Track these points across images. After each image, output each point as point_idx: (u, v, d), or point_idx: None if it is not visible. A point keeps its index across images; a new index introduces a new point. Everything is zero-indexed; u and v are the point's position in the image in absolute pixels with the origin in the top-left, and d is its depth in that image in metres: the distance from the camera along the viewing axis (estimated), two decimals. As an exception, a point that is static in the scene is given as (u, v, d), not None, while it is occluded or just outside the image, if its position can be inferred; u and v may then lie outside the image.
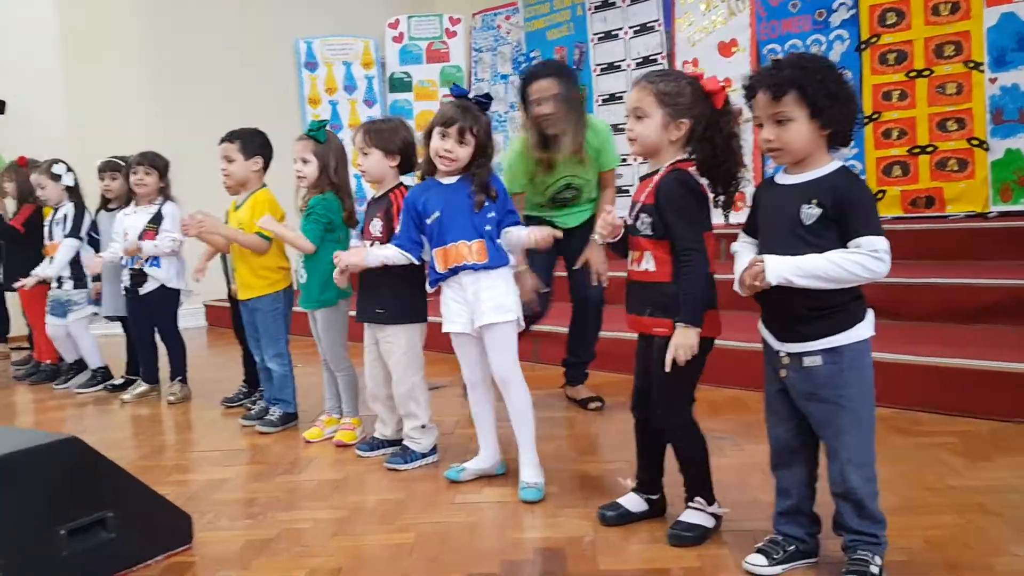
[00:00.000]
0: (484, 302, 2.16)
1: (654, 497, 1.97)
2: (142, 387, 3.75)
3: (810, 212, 1.53)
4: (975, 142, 4.08)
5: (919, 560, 1.68)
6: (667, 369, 1.74)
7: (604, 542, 1.86)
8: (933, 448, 2.37)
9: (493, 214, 2.21)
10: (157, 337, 3.72)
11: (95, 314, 4.01)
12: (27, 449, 1.72)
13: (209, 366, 4.43)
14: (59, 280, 4.00)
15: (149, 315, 3.64)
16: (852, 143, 1.64)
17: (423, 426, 2.49)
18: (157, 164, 3.61)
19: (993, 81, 4.01)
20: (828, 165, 1.57)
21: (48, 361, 4.35)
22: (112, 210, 3.89)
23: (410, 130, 2.62)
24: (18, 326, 5.22)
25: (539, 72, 2.75)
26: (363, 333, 2.59)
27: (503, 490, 2.24)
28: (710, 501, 1.84)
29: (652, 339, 1.80)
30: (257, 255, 2.94)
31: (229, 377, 3.76)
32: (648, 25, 5.43)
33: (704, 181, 1.80)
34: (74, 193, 4.06)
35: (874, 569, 1.55)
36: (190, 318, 5.13)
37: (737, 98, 1.80)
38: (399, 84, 6.53)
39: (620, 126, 2.75)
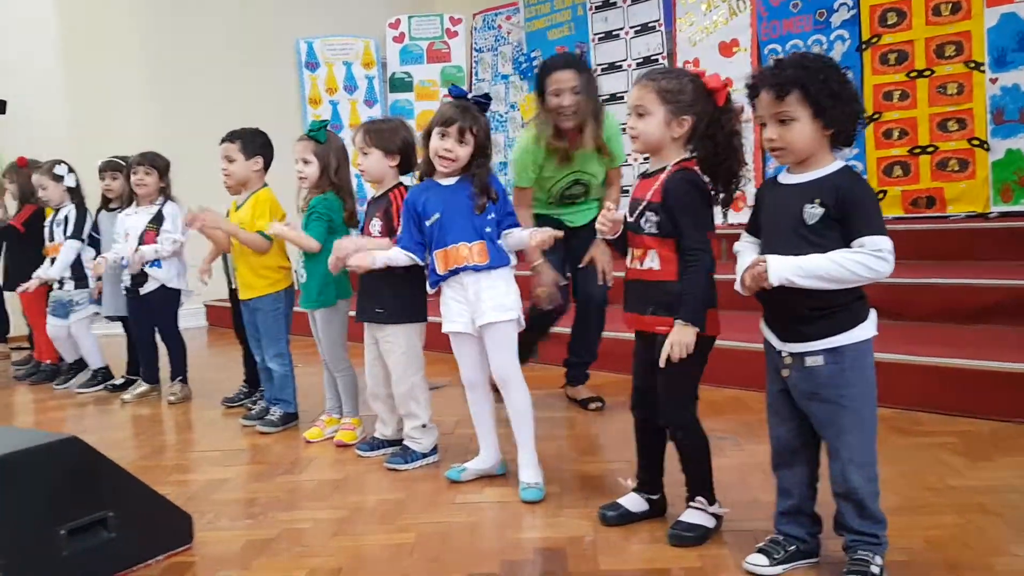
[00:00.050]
0: (485, 301, 2.16)
1: (655, 497, 1.97)
2: (142, 387, 3.75)
3: (813, 212, 1.53)
4: (976, 142, 4.08)
5: (919, 560, 1.68)
6: (661, 364, 1.74)
7: (605, 542, 1.86)
8: (933, 448, 2.37)
9: (493, 215, 2.21)
10: (158, 337, 3.72)
11: (96, 314, 4.01)
12: (27, 449, 1.72)
13: (209, 366, 4.43)
14: (60, 281, 4.00)
15: (150, 315, 3.65)
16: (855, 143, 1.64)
17: (423, 425, 2.49)
18: (157, 164, 3.61)
19: (994, 81, 4.01)
20: (831, 165, 1.57)
21: (48, 361, 4.35)
22: (113, 210, 3.89)
23: (410, 130, 2.62)
24: (18, 326, 5.23)
25: (557, 63, 2.72)
26: (363, 333, 2.59)
27: (504, 490, 2.23)
28: (711, 501, 1.84)
29: (655, 338, 1.80)
30: (258, 255, 2.94)
31: (229, 377, 3.76)
32: (649, 25, 5.43)
33: (706, 179, 1.80)
34: (75, 194, 4.06)
35: (875, 569, 1.55)
36: (190, 318, 5.13)
37: (738, 97, 1.80)
38: (400, 84, 6.53)
39: (621, 126, 2.74)
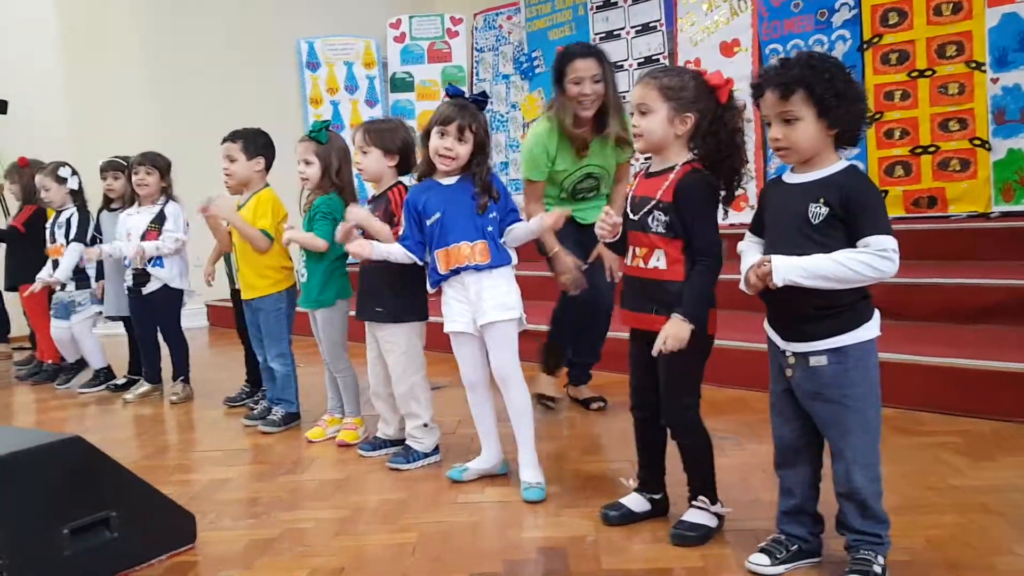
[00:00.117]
0: (486, 300, 2.16)
1: (657, 497, 1.97)
2: (144, 387, 3.75)
3: (818, 211, 1.53)
4: (977, 142, 4.08)
5: (921, 560, 1.68)
6: (653, 354, 1.74)
7: (607, 542, 1.86)
8: (935, 448, 2.37)
9: (495, 214, 2.21)
10: (160, 337, 3.72)
11: (99, 313, 4.01)
12: (30, 449, 1.72)
13: (211, 366, 4.43)
14: (62, 283, 4.00)
15: (152, 315, 3.65)
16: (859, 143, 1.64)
17: (425, 425, 2.49)
18: (158, 164, 3.61)
19: (995, 81, 4.01)
20: (836, 164, 1.57)
21: (50, 361, 4.35)
22: (115, 210, 3.89)
23: (409, 131, 2.62)
24: (19, 326, 5.23)
25: (579, 51, 2.68)
26: (364, 332, 2.59)
27: (505, 490, 2.24)
28: (713, 501, 1.84)
29: (656, 336, 1.80)
30: (259, 254, 2.94)
31: (231, 377, 3.76)
32: (650, 25, 5.43)
33: None
34: (78, 197, 4.06)
35: (877, 569, 1.55)
36: (192, 318, 5.12)
37: (740, 95, 1.80)
38: (401, 84, 6.53)
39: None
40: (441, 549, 1.89)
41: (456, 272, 2.19)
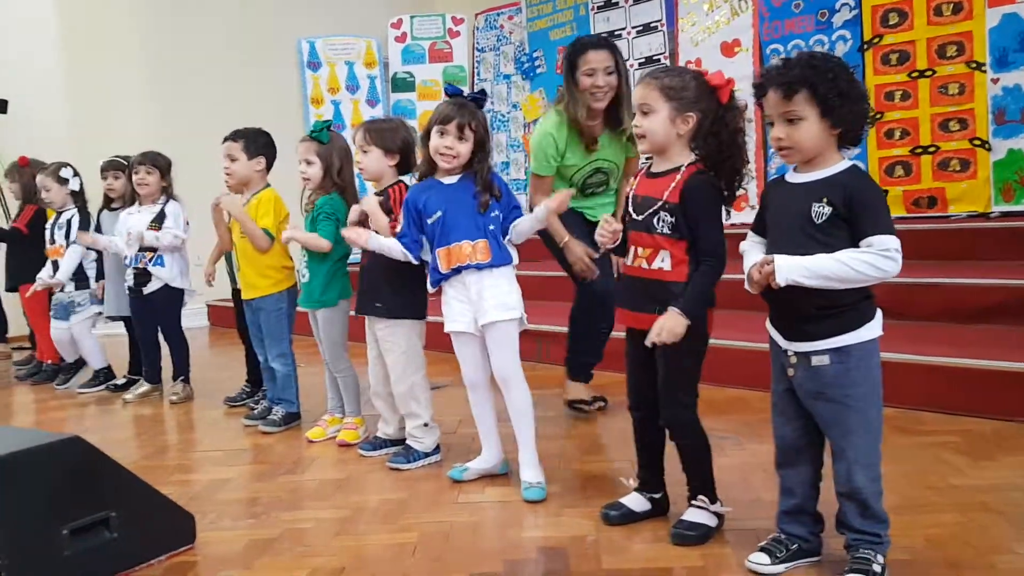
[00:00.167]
0: (487, 300, 2.16)
1: (657, 496, 1.97)
2: (144, 387, 3.75)
3: (821, 211, 1.53)
4: (977, 142, 4.08)
5: (921, 559, 1.68)
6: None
7: (607, 541, 1.86)
8: (936, 447, 2.37)
9: (496, 212, 2.21)
10: (160, 337, 3.72)
11: (98, 313, 4.01)
12: (29, 449, 1.72)
13: (211, 366, 4.43)
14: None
15: (153, 315, 3.65)
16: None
17: (425, 424, 2.49)
18: (158, 163, 3.61)
19: (995, 81, 4.01)
20: (839, 164, 1.57)
21: (50, 361, 4.35)
22: (115, 210, 3.89)
23: (410, 131, 2.62)
24: (19, 326, 5.23)
25: (592, 43, 2.67)
26: (365, 332, 2.59)
27: (506, 490, 2.24)
28: (713, 500, 1.84)
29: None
30: (260, 254, 2.94)
31: (231, 377, 3.76)
32: (651, 25, 5.43)
33: None
34: (79, 198, 4.05)
35: (876, 568, 1.55)
36: (192, 318, 5.11)
37: (741, 95, 1.80)
38: (402, 84, 6.53)
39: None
40: (442, 549, 1.89)
41: (457, 271, 2.19)
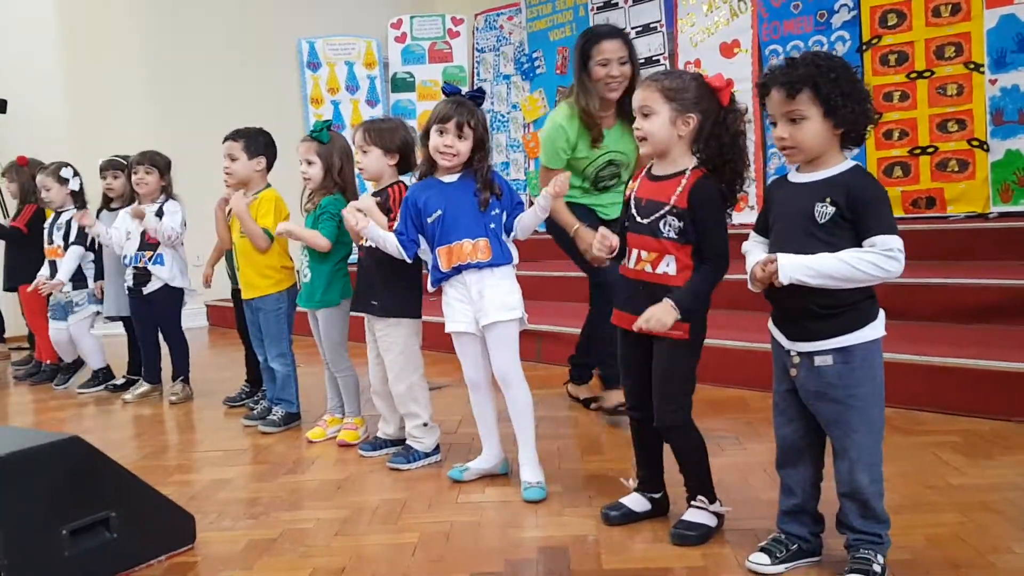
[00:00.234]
0: (488, 300, 2.16)
1: (656, 496, 1.97)
2: (144, 387, 3.75)
3: (824, 211, 1.53)
4: (975, 143, 4.09)
5: (921, 558, 1.68)
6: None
7: (608, 541, 1.86)
8: (935, 447, 2.37)
9: (497, 211, 2.21)
10: (160, 337, 3.71)
11: (97, 313, 4.01)
12: (29, 449, 1.72)
13: (211, 366, 4.43)
14: (59, 285, 4.00)
15: (153, 315, 3.65)
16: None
17: (424, 424, 2.49)
18: (157, 163, 3.60)
19: (993, 82, 4.01)
20: (842, 164, 1.57)
21: (49, 361, 4.34)
22: (115, 210, 3.89)
23: (409, 131, 2.62)
24: (18, 326, 5.22)
25: (606, 32, 2.65)
26: (365, 332, 2.59)
27: (506, 489, 2.24)
28: (712, 500, 1.84)
29: (662, 341, 1.80)
30: (260, 253, 2.94)
31: (231, 377, 3.76)
32: (651, 26, 5.43)
33: None
34: (78, 198, 4.05)
35: (876, 568, 1.55)
36: (192, 318, 5.12)
37: (741, 97, 1.80)
38: (402, 84, 6.53)
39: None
40: (442, 549, 1.89)
41: (458, 271, 2.19)
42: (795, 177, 1.63)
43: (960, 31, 4.08)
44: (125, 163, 3.78)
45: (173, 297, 3.63)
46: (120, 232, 3.64)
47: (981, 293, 3.29)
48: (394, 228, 2.31)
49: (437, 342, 2.81)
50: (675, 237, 1.77)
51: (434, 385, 2.64)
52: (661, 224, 1.78)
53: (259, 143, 3.03)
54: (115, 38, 5.84)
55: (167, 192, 3.64)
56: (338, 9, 6.60)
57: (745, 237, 1.74)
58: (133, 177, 3.58)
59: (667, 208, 1.78)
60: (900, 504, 1.90)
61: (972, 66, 4.05)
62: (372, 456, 2.62)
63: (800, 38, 4.62)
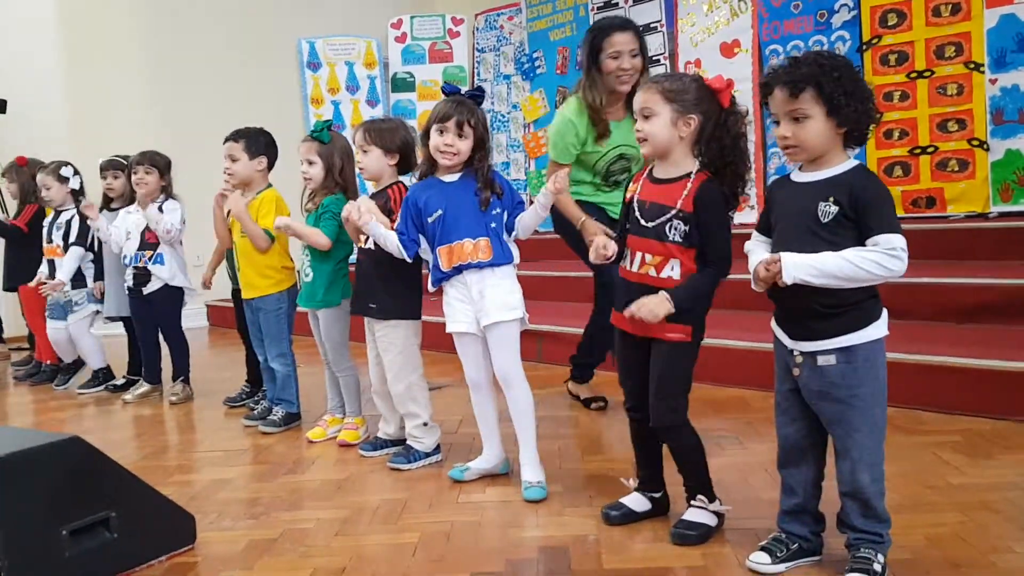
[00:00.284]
0: (489, 300, 2.16)
1: (656, 495, 1.97)
2: (144, 387, 3.75)
3: (827, 210, 1.53)
4: (975, 143, 4.08)
5: (921, 558, 1.68)
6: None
7: (608, 541, 1.86)
8: (935, 446, 2.37)
9: (498, 210, 2.21)
10: (160, 337, 3.71)
11: (97, 312, 4.01)
12: (29, 449, 1.72)
13: (211, 366, 4.43)
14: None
15: (153, 315, 3.65)
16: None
17: (424, 424, 2.49)
18: (157, 163, 3.60)
19: (993, 82, 4.01)
20: (845, 163, 1.57)
21: (49, 361, 4.34)
22: (114, 209, 3.88)
23: (409, 131, 2.62)
24: (17, 326, 5.22)
25: (617, 24, 2.63)
26: (365, 331, 2.59)
27: (507, 489, 2.24)
28: (711, 499, 1.84)
29: (662, 343, 1.80)
30: (260, 253, 2.94)
31: (231, 377, 3.76)
32: (651, 26, 5.43)
33: None
34: (79, 197, 4.05)
35: (877, 567, 1.55)
36: (192, 318, 5.12)
37: (741, 98, 1.80)
38: (402, 84, 6.53)
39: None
40: (443, 549, 1.89)
41: (459, 271, 2.19)
42: (798, 176, 1.63)
43: (960, 31, 4.08)
44: (125, 163, 3.78)
45: (173, 297, 3.63)
46: (120, 232, 3.64)
47: (981, 293, 3.29)
48: (395, 227, 2.31)
49: (437, 342, 2.81)
50: (680, 241, 1.76)
51: (434, 385, 2.64)
52: (667, 228, 1.77)
53: (260, 143, 3.03)
54: (115, 38, 5.84)
55: (167, 192, 3.63)
56: (338, 9, 6.61)
57: (746, 237, 1.74)
58: (133, 177, 3.57)
59: (673, 212, 1.77)
60: (901, 503, 1.90)
61: (972, 66, 4.05)
62: (372, 456, 2.62)
63: (800, 38, 4.62)
